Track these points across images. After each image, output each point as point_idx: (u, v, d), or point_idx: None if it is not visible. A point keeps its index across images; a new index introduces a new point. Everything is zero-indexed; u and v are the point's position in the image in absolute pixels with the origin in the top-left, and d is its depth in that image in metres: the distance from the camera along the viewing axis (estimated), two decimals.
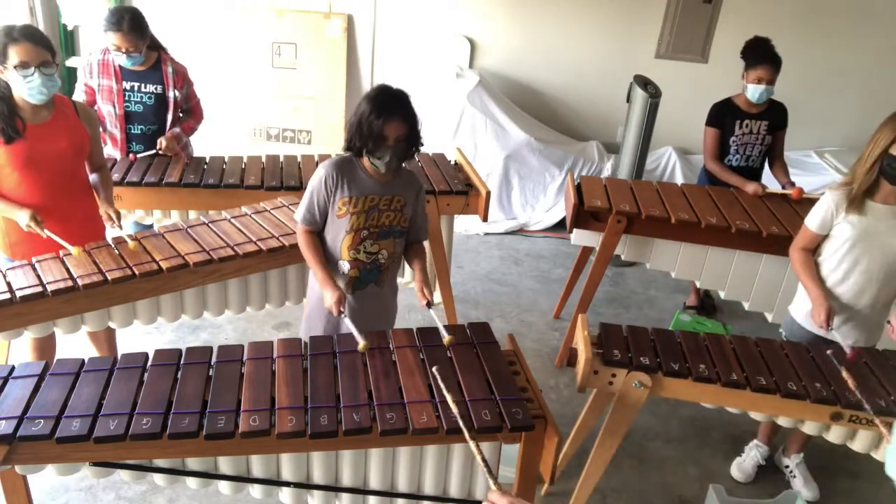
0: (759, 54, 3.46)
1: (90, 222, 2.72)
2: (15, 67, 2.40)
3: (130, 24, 3.15)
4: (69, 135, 2.61)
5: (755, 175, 3.68)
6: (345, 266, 2.38)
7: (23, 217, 2.50)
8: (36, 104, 2.50)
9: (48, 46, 2.47)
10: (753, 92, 3.48)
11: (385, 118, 2.18)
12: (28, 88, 2.44)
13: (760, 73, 3.45)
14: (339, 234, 2.36)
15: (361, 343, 2.13)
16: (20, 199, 2.55)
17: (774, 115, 3.63)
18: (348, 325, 2.21)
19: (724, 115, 3.61)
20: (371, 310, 2.45)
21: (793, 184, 3.55)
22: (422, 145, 2.33)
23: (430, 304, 2.32)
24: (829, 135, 5.39)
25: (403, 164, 2.35)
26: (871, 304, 2.57)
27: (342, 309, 2.24)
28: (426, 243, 3.37)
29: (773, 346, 2.45)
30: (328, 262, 2.38)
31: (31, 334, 2.41)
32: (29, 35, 2.42)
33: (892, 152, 2.39)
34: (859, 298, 2.56)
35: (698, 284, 3.44)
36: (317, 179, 2.35)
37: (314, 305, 2.49)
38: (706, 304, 4.21)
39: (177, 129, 3.42)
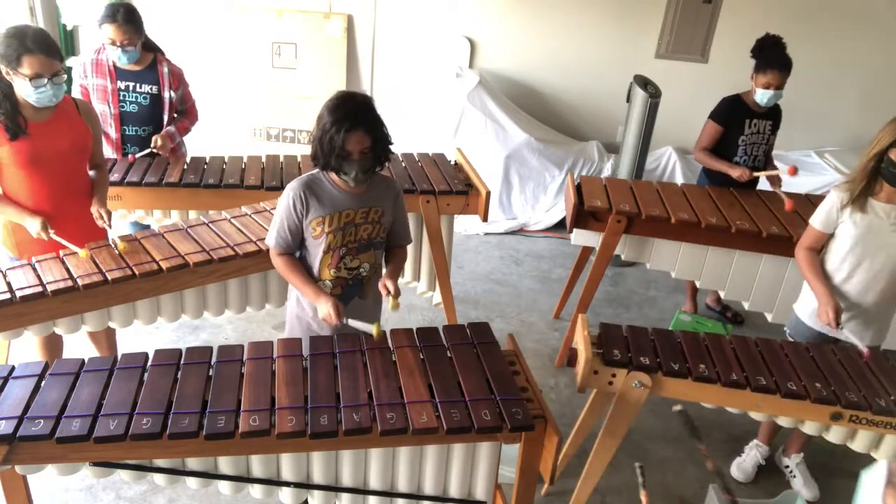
0: (771, 59, 3.37)
1: (93, 221, 2.71)
2: (28, 79, 2.38)
3: (125, 16, 3.16)
4: (71, 133, 2.61)
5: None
6: (326, 286, 2.27)
7: (34, 225, 2.50)
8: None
9: (59, 55, 2.46)
10: (762, 96, 3.43)
11: (346, 132, 2.03)
12: (38, 97, 2.44)
13: (770, 78, 3.38)
14: (316, 255, 2.24)
15: (373, 329, 2.11)
16: (24, 197, 2.56)
17: (776, 115, 3.61)
18: (353, 324, 2.17)
19: (733, 113, 3.52)
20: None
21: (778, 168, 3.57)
22: (391, 156, 2.20)
23: (388, 293, 2.20)
24: (829, 135, 5.39)
25: (379, 170, 2.23)
26: (876, 303, 2.57)
27: (342, 313, 2.16)
28: (425, 243, 3.40)
29: (773, 347, 2.45)
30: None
31: (32, 334, 2.41)
32: (42, 46, 2.40)
33: (892, 156, 2.39)
34: (864, 297, 2.56)
35: (698, 284, 3.44)
36: (283, 204, 2.21)
37: (294, 324, 2.40)
38: (733, 316, 4.17)
39: (171, 128, 3.40)
